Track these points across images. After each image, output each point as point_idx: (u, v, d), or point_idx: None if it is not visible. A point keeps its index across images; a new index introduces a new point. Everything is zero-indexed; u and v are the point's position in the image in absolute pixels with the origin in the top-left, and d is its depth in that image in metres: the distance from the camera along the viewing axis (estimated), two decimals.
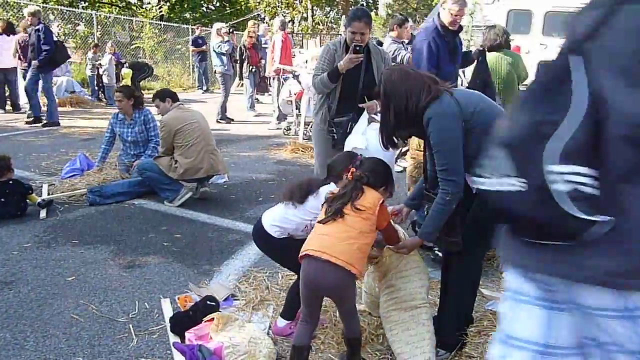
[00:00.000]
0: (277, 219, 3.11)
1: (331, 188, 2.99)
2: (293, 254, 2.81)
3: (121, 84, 13.54)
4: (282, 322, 3.22)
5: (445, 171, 2.72)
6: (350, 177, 2.81)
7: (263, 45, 13.15)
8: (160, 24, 21.23)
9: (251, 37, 11.94)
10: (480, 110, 2.76)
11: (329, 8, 36.21)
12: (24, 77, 10.73)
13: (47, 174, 6.63)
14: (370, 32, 4.31)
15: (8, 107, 11.95)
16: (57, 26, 17.37)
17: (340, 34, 19.13)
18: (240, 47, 12.16)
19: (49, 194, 5.75)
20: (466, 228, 2.93)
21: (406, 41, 7.45)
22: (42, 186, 5.96)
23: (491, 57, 6.17)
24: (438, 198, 2.77)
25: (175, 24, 22.21)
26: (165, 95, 5.83)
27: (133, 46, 19.78)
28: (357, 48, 4.10)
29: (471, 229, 2.94)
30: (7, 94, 11.81)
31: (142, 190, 5.85)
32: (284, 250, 3.10)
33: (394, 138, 2.94)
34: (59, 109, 11.37)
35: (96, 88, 14.54)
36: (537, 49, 12.38)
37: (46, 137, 9.26)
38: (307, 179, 3.22)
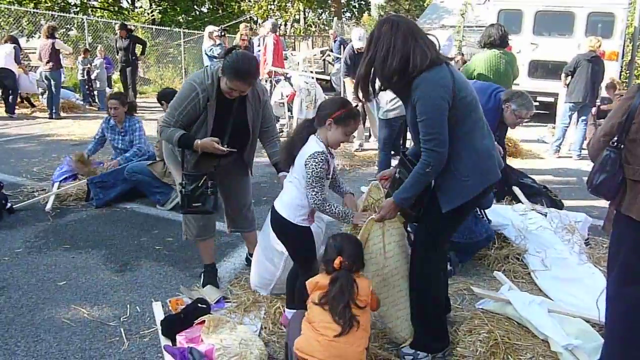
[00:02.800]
0: (289, 202, 3.05)
1: (313, 143, 2.92)
2: (308, 246, 3.06)
3: (114, 90, 13.51)
4: (289, 313, 3.23)
5: (430, 141, 2.65)
6: (338, 267, 2.63)
7: (256, 48, 13.15)
8: (152, 28, 21.20)
9: (243, 40, 11.93)
10: (465, 97, 2.71)
11: (321, 10, 36.24)
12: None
13: (38, 179, 6.61)
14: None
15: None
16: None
17: (330, 36, 19.09)
18: None
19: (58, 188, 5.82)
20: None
21: None
22: (33, 191, 5.97)
23: (490, 53, 6.26)
24: (418, 167, 2.72)
25: (167, 28, 22.16)
26: (161, 98, 5.75)
27: None
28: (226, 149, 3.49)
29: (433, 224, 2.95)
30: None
31: (142, 178, 5.70)
32: (300, 239, 3.07)
33: (365, 88, 2.84)
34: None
35: (87, 92, 14.45)
36: (528, 49, 12.44)
37: (37, 142, 9.23)
38: (287, 139, 3.11)
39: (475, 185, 2.79)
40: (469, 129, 2.74)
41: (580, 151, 9.09)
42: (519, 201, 5.36)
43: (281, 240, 3.23)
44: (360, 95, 2.89)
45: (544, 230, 4.55)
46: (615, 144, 2.46)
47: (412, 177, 2.75)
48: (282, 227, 3.09)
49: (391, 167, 3.32)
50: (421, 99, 2.63)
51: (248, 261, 4.19)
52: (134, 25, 20.45)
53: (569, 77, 9.08)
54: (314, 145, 2.91)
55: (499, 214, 4.68)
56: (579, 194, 6.60)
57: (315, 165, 2.84)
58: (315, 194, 2.87)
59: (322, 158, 2.86)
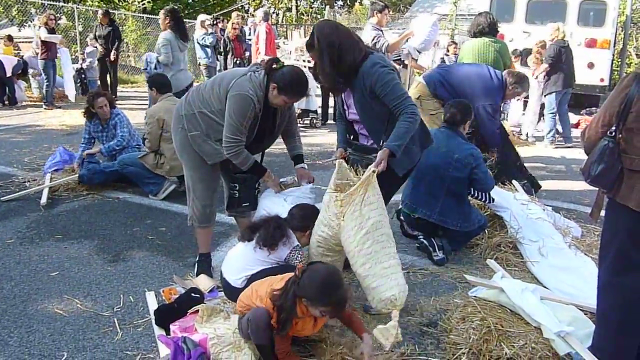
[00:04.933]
0: (242, 267, 3.26)
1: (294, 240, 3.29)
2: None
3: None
4: None
5: (406, 99, 3.15)
6: (295, 272, 2.73)
7: (247, 38, 13.07)
8: (143, 17, 21.02)
9: (235, 28, 11.86)
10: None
11: None
12: None
13: (30, 169, 6.56)
14: None
15: None
16: (38, 20, 17.11)
17: None
18: (224, 39, 12.08)
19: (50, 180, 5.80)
20: None
21: (385, 28, 7.46)
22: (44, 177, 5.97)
23: (478, 42, 6.25)
24: (406, 119, 3.15)
25: (159, 17, 21.99)
26: (152, 84, 5.77)
27: None
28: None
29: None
30: None
31: (134, 170, 5.67)
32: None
33: (335, 85, 3.34)
34: (40, 103, 12.30)
35: (80, 82, 14.23)
36: (521, 37, 12.44)
37: (28, 132, 9.17)
38: (275, 222, 3.26)
39: (418, 151, 3.45)
40: None
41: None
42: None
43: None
44: (332, 91, 3.47)
45: (543, 222, 4.56)
46: (613, 133, 2.44)
47: (403, 128, 3.16)
48: (236, 292, 3.19)
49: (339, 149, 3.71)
50: (379, 74, 3.10)
51: None
52: (123, 14, 20.29)
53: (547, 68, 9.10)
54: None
55: (502, 196, 4.70)
56: (566, 182, 6.63)
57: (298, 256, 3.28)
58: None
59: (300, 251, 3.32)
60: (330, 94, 3.61)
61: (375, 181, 3.04)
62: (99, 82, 13.21)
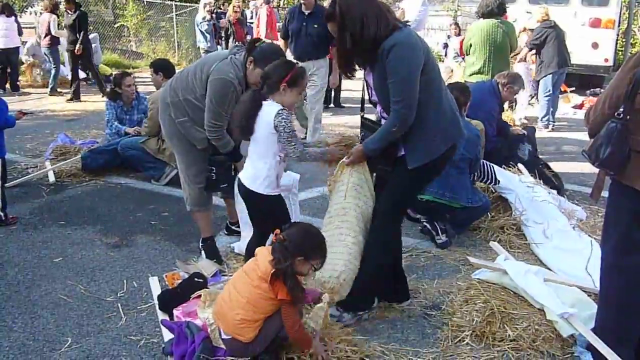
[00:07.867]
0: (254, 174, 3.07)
1: (272, 106, 2.94)
2: (279, 214, 3.09)
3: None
4: None
5: (399, 103, 2.72)
6: (273, 240, 2.60)
7: (248, 21, 12.98)
8: (144, 1, 20.85)
9: (236, 12, 11.75)
10: (432, 60, 2.82)
11: None
12: None
13: (32, 156, 6.55)
14: None
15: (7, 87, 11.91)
16: (39, 5, 17.02)
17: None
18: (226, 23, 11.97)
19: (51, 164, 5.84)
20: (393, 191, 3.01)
21: None
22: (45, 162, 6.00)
23: (487, 23, 6.23)
24: (386, 124, 2.83)
25: (159, 1, 21.81)
26: (159, 68, 5.68)
27: (117, 25, 19.45)
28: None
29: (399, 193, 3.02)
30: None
31: (135, 153, 5.68)
32: (271, 208, 3.13)
33: (352, 64, 2.97)
34: (41, 89, 12.02)
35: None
36: (524, 17, 12.31)
37: (30, 118, 9.12)
38: (241, 106, 3.06)
39: (441, 144, 2.88)
40: (437, 92, 2.83)
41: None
42: None
43: (252, 210, 3.26)
44: (347, 71, 3.02)
45: (548, 204, 4.54)
46: (621, 115, 2.38)
47: (381, 132, 2.87)
48: (251, 199, 3.13)
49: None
50: (396, 60, 2.68)
51: (228, 230, 4.36)
52: None
53: (533, 51, 8.96)
54: (274, 106, 2.95)
55: (507, 178, 4.69)
56: (569, 163, 6.60)
57: (285, 121, 2.91)
58: (294, 147, 2.96)
59: (288, 113, 2.95)
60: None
61: (355, 172, 3.05)
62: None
